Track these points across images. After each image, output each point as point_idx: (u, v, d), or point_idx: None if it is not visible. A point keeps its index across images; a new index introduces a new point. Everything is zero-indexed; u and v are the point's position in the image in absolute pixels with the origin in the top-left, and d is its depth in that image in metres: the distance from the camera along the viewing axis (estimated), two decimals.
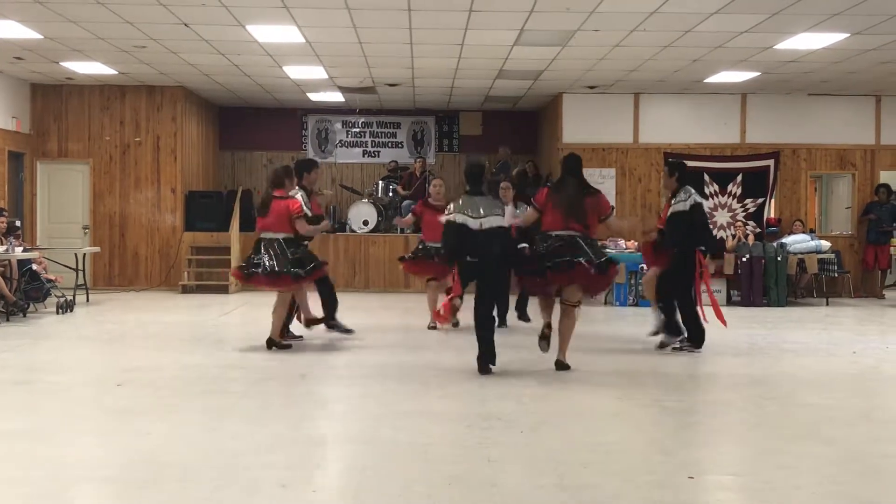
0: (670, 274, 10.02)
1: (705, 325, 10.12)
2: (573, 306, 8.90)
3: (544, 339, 8.93)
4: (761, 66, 14.99)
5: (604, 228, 9.36)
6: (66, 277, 14.77)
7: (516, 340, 10.62)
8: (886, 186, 17.57)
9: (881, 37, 12.63)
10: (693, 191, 10.12)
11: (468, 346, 10.43)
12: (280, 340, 10.14)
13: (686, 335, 10.15)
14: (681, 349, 10.08)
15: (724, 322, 10.23)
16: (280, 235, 9.99)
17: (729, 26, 12.16)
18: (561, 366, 8.84)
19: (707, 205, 10.19)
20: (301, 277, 9.98)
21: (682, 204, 9.98)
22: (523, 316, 12.07)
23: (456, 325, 11.54)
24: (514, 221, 9.47)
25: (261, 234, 10.11)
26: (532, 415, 6.96)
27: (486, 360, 8.70)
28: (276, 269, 9.88)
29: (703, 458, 5.76)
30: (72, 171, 17.86)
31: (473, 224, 8.66)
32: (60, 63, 15.34)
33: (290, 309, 10.52)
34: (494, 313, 9.04)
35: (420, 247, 12.08)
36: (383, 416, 6.87)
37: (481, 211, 8.69)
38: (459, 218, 8.72)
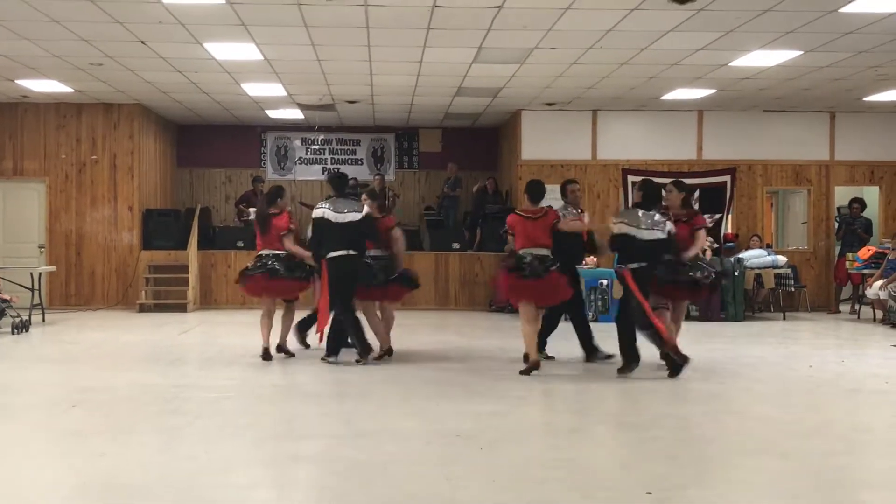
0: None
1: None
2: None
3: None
4: (717, 83, 15.16)
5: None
6: (22, 297, 14.56)
7: (474, 357, 10.66)
8: (860, 200, 17.79)
9: (833, 54, 12.82)
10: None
11: (427, 364, 10.43)
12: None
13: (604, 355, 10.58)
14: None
15: None
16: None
17: (684, 44, 12.29)
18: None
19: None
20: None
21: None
22: None
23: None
24: None
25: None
26: (491, 431, 6.95)
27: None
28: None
29: (662, 473, 5.78)
30: (27, 190, 17.67)
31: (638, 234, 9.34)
32: (15, 81, 15.19)
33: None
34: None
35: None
36: (342, 434, 6.83)
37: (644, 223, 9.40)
38: (624, 228, 9.38)
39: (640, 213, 9.44)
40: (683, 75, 14.46)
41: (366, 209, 10.31)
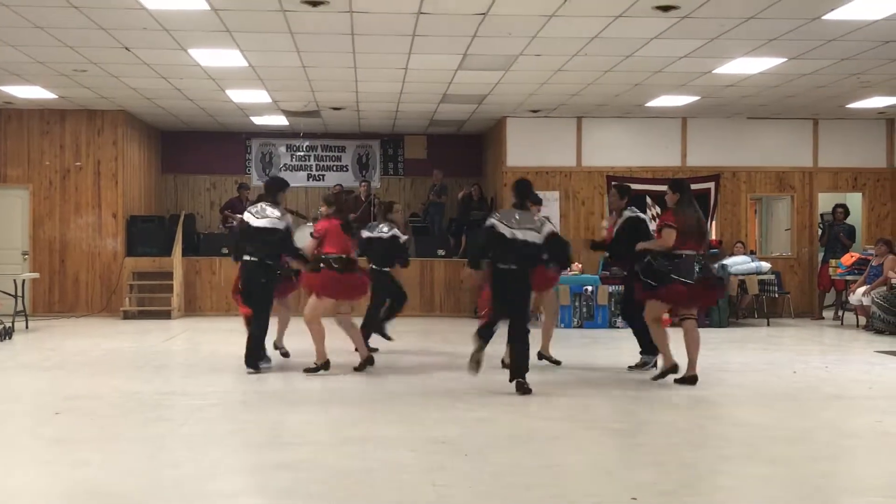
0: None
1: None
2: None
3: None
4: (701, 91, 15.21)
5: None
6: (5, 304, 14.51)
7: (460, 364, 10.63)
8: (844, 206, 17.87)
9: (817, 61, 12.88)
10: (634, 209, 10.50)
11: (412, 371, 10.43)
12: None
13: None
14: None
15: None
16: None
17: (668, 51, 12.33)
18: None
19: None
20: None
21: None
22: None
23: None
24: None
25: None
26: (476, 438, 6.95)
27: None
28: None
29: (647, 480, 5.78)
30: (11, 197, 17.58)
31: (508, 233, 8.87)
32: None
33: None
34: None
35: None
36: (327, 442, 6.83)
37: (515, 222, 8.95)
38: (499, 226, 8.93)
39: (517, 213, 9.09)
40: (667, 82, 14.50)
41: (288, 220, 10.28)
